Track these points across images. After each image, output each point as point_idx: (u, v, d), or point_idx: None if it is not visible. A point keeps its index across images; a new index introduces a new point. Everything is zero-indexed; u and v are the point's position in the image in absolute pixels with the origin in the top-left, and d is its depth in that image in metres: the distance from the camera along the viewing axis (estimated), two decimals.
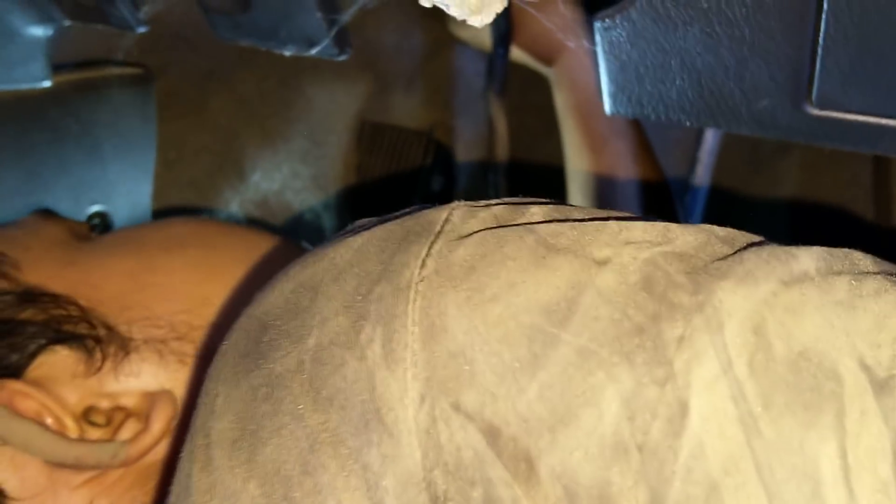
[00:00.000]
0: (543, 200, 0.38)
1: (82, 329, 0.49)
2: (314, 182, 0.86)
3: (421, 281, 0.35)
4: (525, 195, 0.40)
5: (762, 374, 0.30)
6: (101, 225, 0.74)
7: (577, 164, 0.73)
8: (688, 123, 0.42)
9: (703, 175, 0.83)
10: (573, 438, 0.31)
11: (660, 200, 0.72)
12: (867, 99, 0.38)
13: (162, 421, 0.48)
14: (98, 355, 0.49)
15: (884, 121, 0.38)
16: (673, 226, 0.35)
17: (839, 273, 0.32)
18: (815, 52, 0.37)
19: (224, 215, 0.82)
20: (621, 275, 0.33)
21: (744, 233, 0.36)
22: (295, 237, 0.67)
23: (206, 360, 0.44)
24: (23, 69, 0.63)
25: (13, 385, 0.46)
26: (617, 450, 0.30)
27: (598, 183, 0.71)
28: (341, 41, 0.51)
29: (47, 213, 0.58)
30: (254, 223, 0.82)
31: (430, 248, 0.36)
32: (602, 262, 0.33)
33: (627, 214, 0.37)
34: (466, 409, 0.32)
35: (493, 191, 0.83)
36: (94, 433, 0.48)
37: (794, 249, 0.33)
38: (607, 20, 0.40)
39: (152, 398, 0.49)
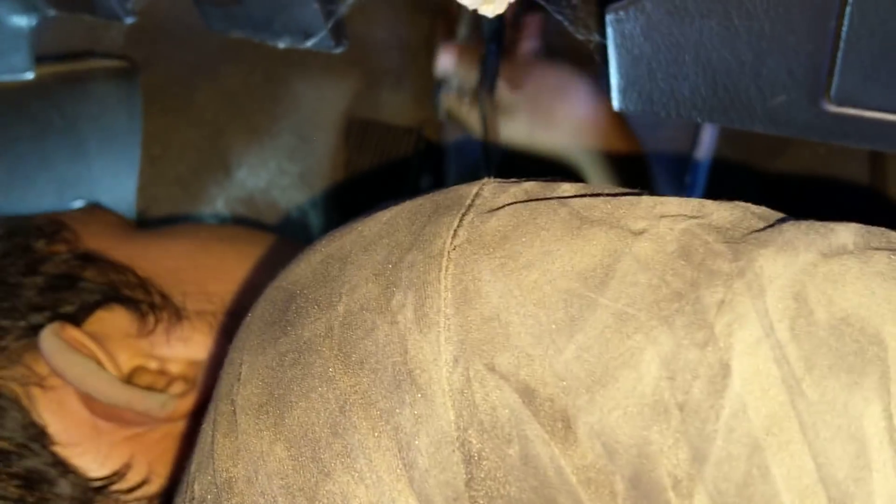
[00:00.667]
0: (573, 180, 0.38)
1: (139, 294, 0.51)
2: (301, 179, 0.85)
3: (453, 249, 0.34)
4: None
5: (804, 337, 0.30)
6: None
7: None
8: (699, 120, 0.41)
9: (698, 176, 0.82)
10: (611, 399, 0.30)
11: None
12: (888, 96, 0.37)
13: (209, 385, 0.49)
14: (151, 319, 0.51)
15: None
16: (707, 201, 0.35)
17: (877, 248, 0.32)
18: (836, 46, 0.36)
19: (210, 213, 0.80)
20: (658, 244, 0.33)
21: (777, 212, 0.36)
22: (281, 235, 0.66)
23: None
24: (5, 60, 0.62)
25: (71, 331, 0.48)
26: (656, 409, 0.30)
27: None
28: (338, 33, 0.50)
29: (100, 206, 0.63)
30: (240, 221, 0.81)
31: (461, 219, 0.35)
32: (638, 233, 0.33)
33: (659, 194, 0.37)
34: (501, 370, 0.32)
35: None
36: None
37: (831, 224, 0.33)
38: (620, 12, 0.39)
39: (200, 366, 0.50)
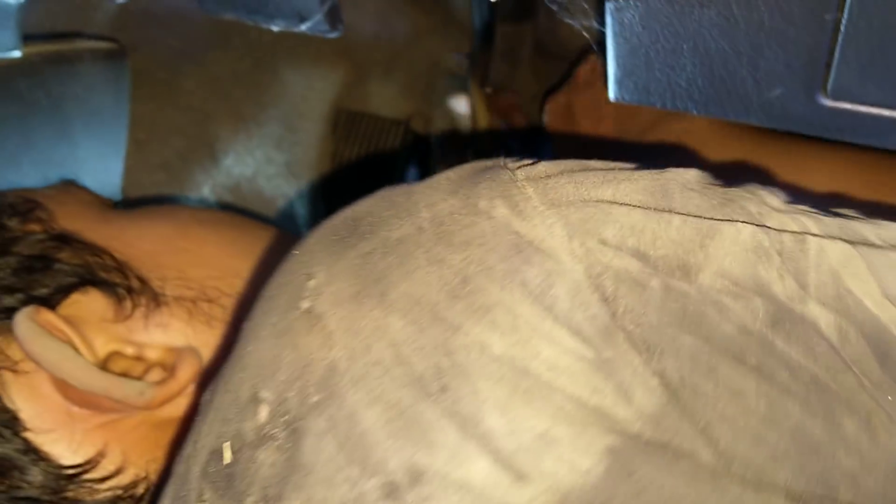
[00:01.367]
0: None
1: (116, 277, 0.50)
2: (288, 168, 0.84)
3: (521, 178, 0.36)
4: None
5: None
6: None
7: None
8: (695, 112, 0.41)
9: None
10: (721, 248, 0.35)
11: None
12: (885, 91, 0.37)
13: (188, 373, 0.48)
14: (128, 303, 0.49)
15: None
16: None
17: None
18: (834, 40, 0.36)
19: (195, 199, 0.79)
20: (700, 180, 0.37)
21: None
22: (267, 224, 0.66)
23: (234, 328, 0.43)
24: None
25: (46, 314, 0.46)
26: (758, 253, 0.35)
27: None
28: (333, 17, 0.50)
29: (75, 183, 0.60)
30: (226, 208, 0.80)
31: (509, 170, 0.37)
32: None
33: None
34: (612, 243, 0.34)
35: None
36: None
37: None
38: (621, 0, 0.39)
39: (178, 353, 0.49)
